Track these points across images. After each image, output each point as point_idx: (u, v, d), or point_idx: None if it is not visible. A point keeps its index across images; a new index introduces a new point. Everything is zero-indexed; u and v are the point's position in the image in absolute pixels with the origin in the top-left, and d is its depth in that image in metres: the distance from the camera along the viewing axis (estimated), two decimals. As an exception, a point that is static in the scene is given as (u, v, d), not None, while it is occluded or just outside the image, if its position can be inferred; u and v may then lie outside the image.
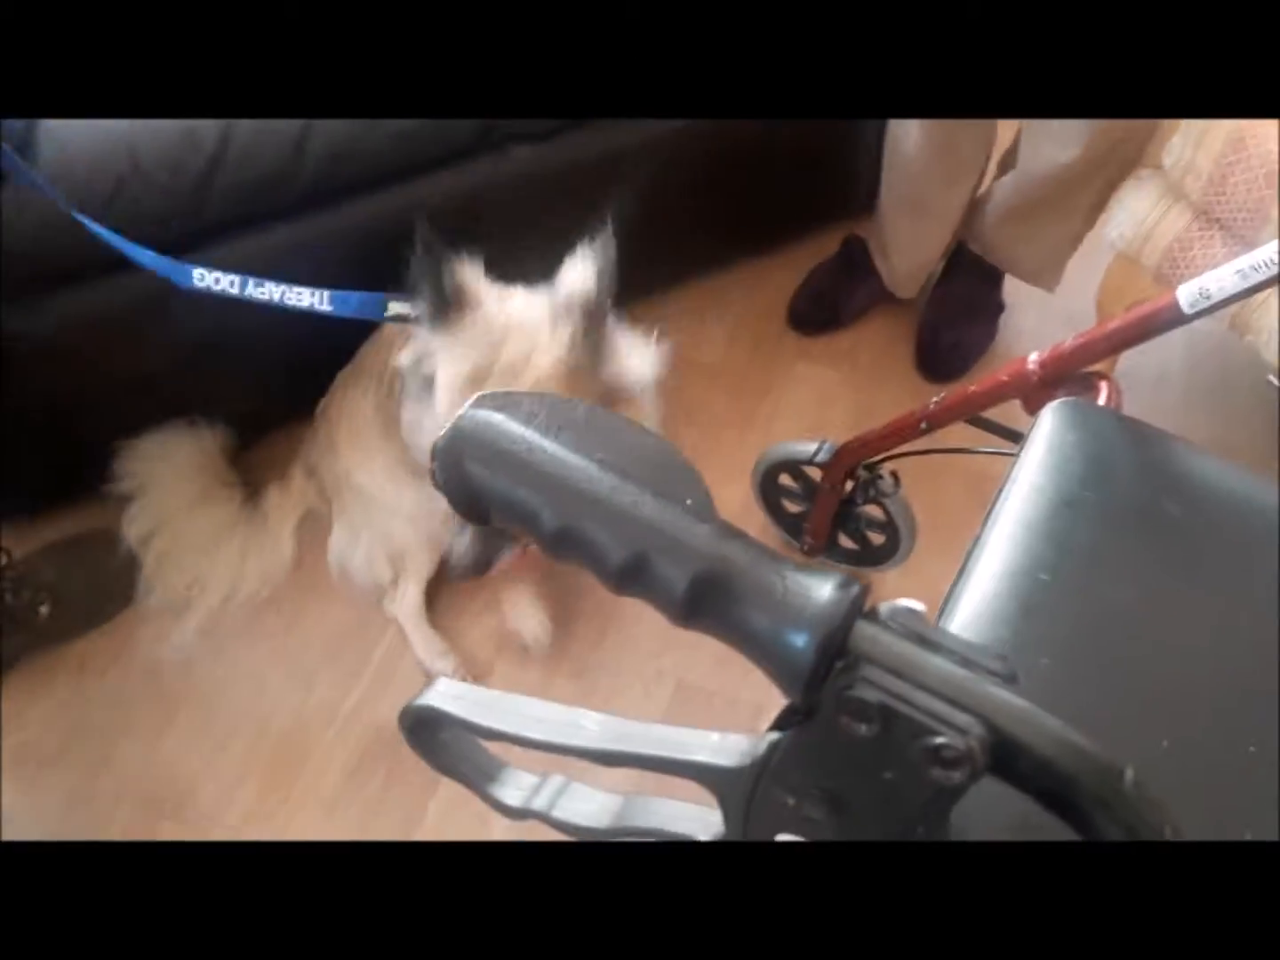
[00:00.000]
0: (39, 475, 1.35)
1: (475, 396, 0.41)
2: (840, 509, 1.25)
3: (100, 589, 1.35)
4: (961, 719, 0.31)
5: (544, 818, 0.45)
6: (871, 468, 1.19)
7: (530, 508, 0.38)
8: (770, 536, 1.39)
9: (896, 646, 0.33)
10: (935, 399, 1.05)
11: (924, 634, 0.34)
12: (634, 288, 1.62)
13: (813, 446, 1.20)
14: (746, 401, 1.57)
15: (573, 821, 0.45)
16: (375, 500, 1.31)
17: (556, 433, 0.39)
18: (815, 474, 1.24)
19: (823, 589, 0.34)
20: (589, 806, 0.45)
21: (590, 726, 0.42)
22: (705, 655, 1.31)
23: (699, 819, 0.42)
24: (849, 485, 1.21)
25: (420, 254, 0.93)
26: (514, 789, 0.47)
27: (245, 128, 1.16)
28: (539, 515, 0.38)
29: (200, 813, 1.22)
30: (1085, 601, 0.71)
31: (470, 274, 0.98)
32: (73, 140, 1.12)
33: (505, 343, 0.94)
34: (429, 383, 0.99)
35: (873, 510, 1.24)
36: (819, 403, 1.57)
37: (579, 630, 1.36)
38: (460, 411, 0.40)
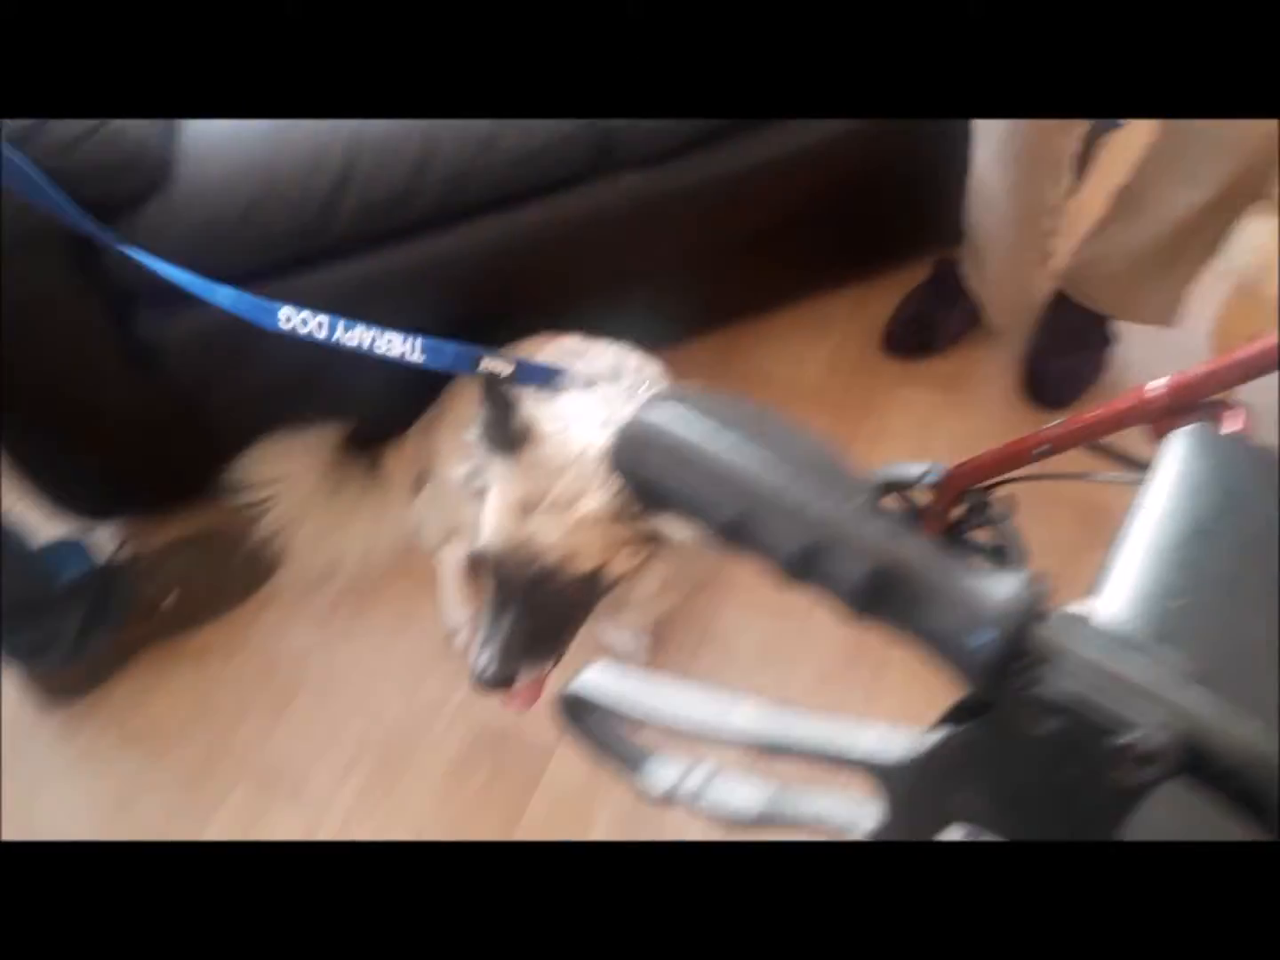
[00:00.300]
0: (170, 474, 1.42)
1: (651, 394, 0.43)
2: (947, 534, 1.24)
3: (222, 583, 1.41)
4: (1155, 716, 0.31)
5: (692, 803, 0.46)
6: (981, 493, 1.17)
7: (705, 499, 0.40)
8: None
9: (1083, 642, 0.33)
10: (1050, 424, 1.04)
11: (1107, 631, 0.34)
12: (737, 309, 1.65)
13: (922, 468, 1.19)
14: (847, 424, 1.57)
15: (722, 809, 0.45)
16: (449, 486, 1.34)
17: (729, 428, 0.41)
18: (922, 497, 1.23)
19: (1004, 585, 0.35)
20: (739, 794, 0.45)
21: (745, 715, 0.43)
22: (804, 672, 1.31)
23: (857, 811, 0.42)
24: (957, 510, 1.20)
25: (485, 399, 0.96)
26: (661, 774, 0.48)
27: (369, 150, 1.19)
28: (715, 507, 0.39)
29: (310, 799, 1.26)
30: (1221, 631, 0.69)
31: (535, 410, 0.99)
32: (209, 160, 1.17)
33: (559, 478, 0.95)
34: (479, 496, 1.01)
35: (981, 537, 1.23)
36: (921, 427, 1.56)
37: (675, 643, 1.37)
38: (637, 408, 0.42)
